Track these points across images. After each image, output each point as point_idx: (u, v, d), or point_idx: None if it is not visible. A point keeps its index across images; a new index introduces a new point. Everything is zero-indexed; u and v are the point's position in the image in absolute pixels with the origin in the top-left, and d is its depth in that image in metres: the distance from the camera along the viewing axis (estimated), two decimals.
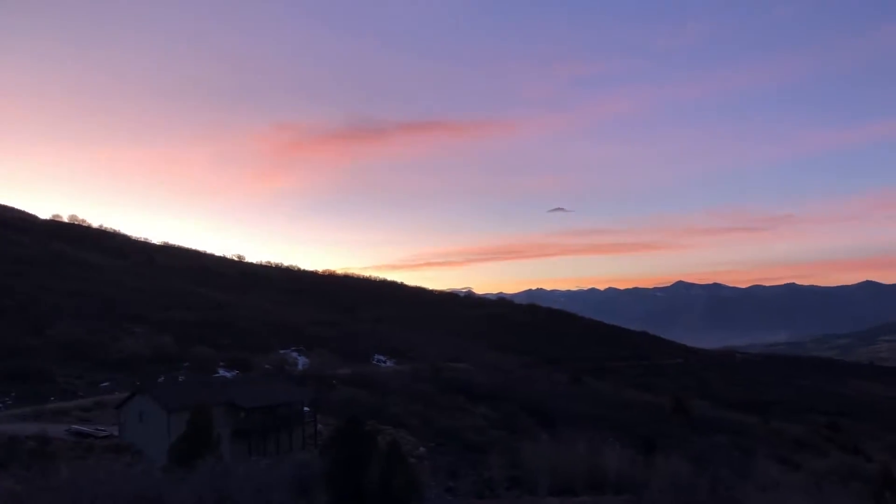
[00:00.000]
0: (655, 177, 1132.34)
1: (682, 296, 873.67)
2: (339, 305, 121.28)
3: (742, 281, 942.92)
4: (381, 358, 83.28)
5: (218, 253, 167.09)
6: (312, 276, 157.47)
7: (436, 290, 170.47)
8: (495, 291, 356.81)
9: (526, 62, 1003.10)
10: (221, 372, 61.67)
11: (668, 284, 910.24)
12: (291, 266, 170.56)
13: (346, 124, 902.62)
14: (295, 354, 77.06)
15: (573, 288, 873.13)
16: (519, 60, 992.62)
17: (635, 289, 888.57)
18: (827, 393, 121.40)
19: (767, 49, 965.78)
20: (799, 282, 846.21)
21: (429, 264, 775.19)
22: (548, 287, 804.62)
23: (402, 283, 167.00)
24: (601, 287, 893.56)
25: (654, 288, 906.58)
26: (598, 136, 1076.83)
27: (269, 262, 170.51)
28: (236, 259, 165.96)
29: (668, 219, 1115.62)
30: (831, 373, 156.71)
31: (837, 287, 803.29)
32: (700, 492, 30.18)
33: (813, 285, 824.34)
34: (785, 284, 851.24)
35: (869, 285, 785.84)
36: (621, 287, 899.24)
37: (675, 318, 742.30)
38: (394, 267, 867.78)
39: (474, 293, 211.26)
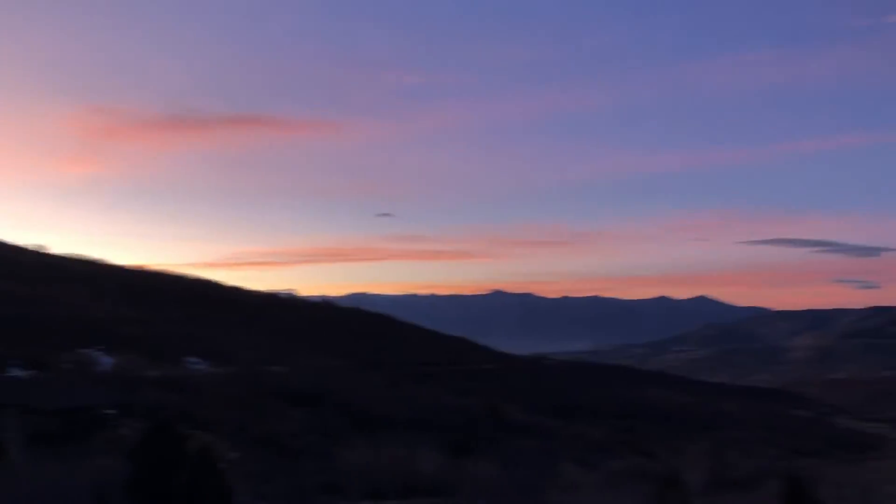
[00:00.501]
0: (475, 188, 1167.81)
1: (498, 303, 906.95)
2: (150, 303, 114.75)
3: (553, 291, 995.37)
4: (194, 360, 79.81)
5: (15, 241, 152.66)
6: (122, 270, 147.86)
7: (256, 291, 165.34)
8: (319, 294, 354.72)
9: (354, 66, 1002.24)
10: (14, 371, 56.56)
11: (486, 292, 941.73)
12: (99, 259, 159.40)
13: (167, 112, 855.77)
14: (99, 354, 72.09)
15: (397, 292, 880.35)
16: (348, 63, 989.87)
17: (455, 295, 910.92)
18: (623, 398, 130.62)
19: (580, 74, 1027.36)
20: (602, 294, 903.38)
21: (250, 264, 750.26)
22: (372, 291, 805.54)
23: (219, 282, 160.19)
24: (423, 293, 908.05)
25: (473, 295, 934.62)
26: (423, 145, 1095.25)
27: (74, 254, 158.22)
28: (36, 249, 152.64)
29: (486, 229, 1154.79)
30: (628, 380, 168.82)
31: (636, 301, 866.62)
32: (508, 493, 31.68)
33: (615, 297, 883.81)
34: (590, 296, 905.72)
35: (663, 300, 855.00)
36: (442, 293, 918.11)
37: (492, 325, 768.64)
38: (211, 265, 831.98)
39: (297, 295, 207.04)
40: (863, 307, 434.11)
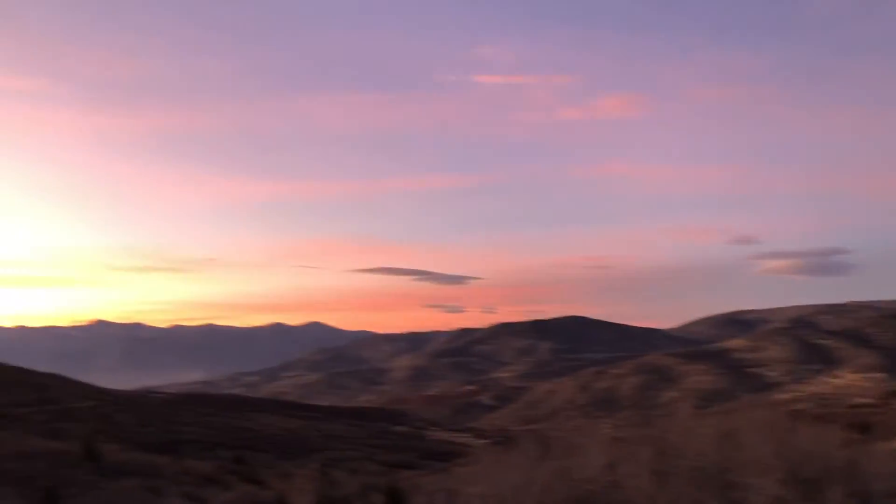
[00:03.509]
0: (73, 209, 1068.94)
1: (101, 335, 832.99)
2: None
3: (163, 321, 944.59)
4: None
5: None
6: None
7: None
8: None
9: None
10: None
11: (86, 323, 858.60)
12: None
13: None
14: None
15: None
16: None
17: (50, 327, 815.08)
18: (234, 428, 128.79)
19: (192, 95, 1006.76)
20: (217, 322, 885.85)
21: None
22: None
23: None
24: (9, 325, 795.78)
25: (71, 326, 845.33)
26: (11, 155, 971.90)
27: None
28: None
29: (85, 254, 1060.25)
30: (239, 408, 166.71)
31: (251, 328, 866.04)
32: None
33: (230, 326, 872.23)
34: (205, 325, 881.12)
35: (277, 327, 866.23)
36: (33, 325, 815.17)
37: (93, 359, 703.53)
38: None
39: None
40: (451, 329, 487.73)
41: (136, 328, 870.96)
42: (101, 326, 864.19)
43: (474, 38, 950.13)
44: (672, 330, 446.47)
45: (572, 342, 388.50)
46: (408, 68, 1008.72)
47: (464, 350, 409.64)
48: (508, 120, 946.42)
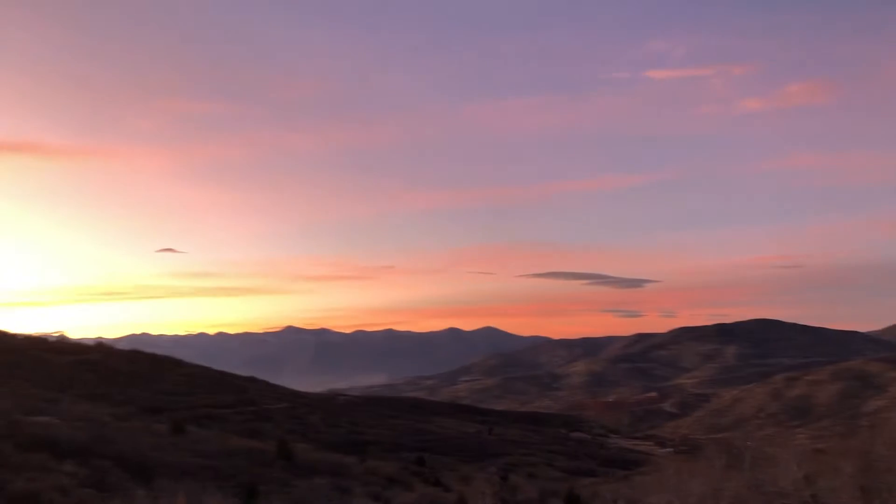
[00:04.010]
0: (264, 223, 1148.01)
1: (291, 340, 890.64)
2: None
3: (347, 326, 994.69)
4: None
5: None
6: None
7: (19, 334, 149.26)
8: (94, 336, 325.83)
9: (131, 90, 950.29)
10: None
11: (279, 329, 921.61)
12: None
13: None
14: None
15: (182, 332, 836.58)
16: (123, 88, 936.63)
17: (246, 333, 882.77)
18: (415, 430, 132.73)
19: (372, 111, 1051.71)
20: (396, 328, 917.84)
21: (11, 304, 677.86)
22: (154, 332, 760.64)
23: None
24: (211, 332, 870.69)
25: (265, 332, 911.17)
26: (207, 177, 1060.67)
27: None
28: None
29: (276, 265, 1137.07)
30: (420, 411, 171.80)
31: (428, 333, 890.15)
32: None
33: (408, 331, 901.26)
34: (384, 330, 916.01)
35: (452, 331, 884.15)
36: (232, 332, 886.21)
37: (285, 363, 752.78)
38: None
39: (67, 337, 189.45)
40: (628, 334, 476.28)
41: (323, 333, 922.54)
42: (291, 332, 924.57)
43: (644, 32, 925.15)
44: (874, 332, 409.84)
45: (760, 346, 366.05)
46: (577, 68, 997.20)
47: (642, 355, 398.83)
48: (684, 115, 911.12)
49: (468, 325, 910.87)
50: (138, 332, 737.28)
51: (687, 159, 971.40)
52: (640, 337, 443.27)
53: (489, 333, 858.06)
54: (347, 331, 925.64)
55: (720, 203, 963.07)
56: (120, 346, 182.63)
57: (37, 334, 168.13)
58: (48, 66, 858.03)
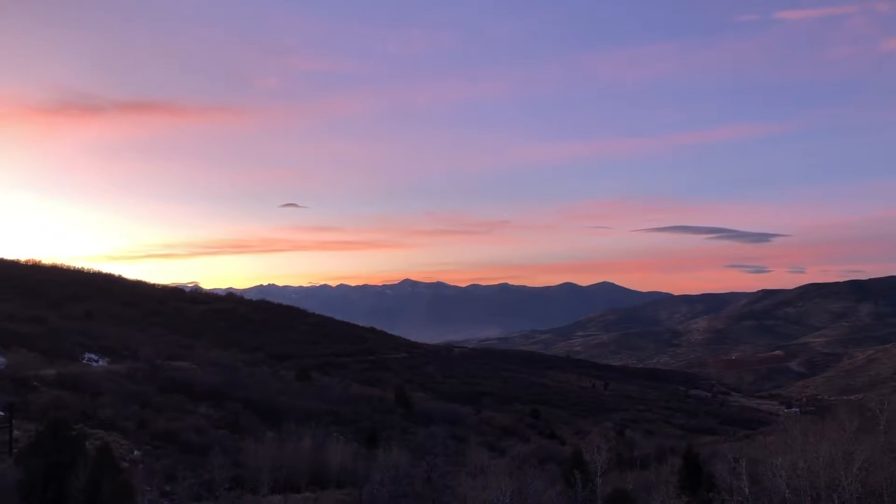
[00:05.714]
0: (382, 178, 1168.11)
1: (408, 293, 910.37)
2: (45, 299, 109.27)
3: (461, 280, 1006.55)
4: (93, 357, 76.49)
5: None
6: (13, 265, 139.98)
7: (157, 285, 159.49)
8: (224, 286, 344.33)
9: (256, 50, 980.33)
10: None
11: (396, 282, 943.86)
12: None
13: (53, 98, 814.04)
14: None
15: (305, 284, 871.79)
16: (248, 48, 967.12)
17: (365, 286, 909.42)
18: (530, 383, 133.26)
19: (483, 65, 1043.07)
20: (511, 282, 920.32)
21: (150, 256, 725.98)
22: (279, 283, 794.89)
23: (119, 275, 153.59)
24: (333, 284, 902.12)
25: (383, 285, 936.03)
26: (328, 133, 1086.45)
27: None
28: None
29: (393, 219, 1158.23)
30: (534, 365, 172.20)
31: (543, 287, 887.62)
32: (416, 481, 31.92)
33: (523, 285, 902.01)
34: (499, 284, 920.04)
35: (568, 286, 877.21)
36: (352, 284, 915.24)
37: (402, 314, 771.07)
38: (110, 258, 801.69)
39: (201, 288, 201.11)
40: (753, 290, 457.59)
41: (439, 286, 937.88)
42: (408, 285, 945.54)
43: None
44: None
45: None
46: (701, 12, 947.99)
47: (768, 313, 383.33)
48: (818, 59, 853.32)
49: (584, 280, 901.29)
50: (265, 283, 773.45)
51: (821, 107, 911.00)
52: (766, 293, 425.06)
53: (605, 288, 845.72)
54: (462, 284, 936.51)
55: (857, 153, 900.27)
56: (248, 297, 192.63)
57: (173, 285, 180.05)
58: (180, 26, 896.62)
